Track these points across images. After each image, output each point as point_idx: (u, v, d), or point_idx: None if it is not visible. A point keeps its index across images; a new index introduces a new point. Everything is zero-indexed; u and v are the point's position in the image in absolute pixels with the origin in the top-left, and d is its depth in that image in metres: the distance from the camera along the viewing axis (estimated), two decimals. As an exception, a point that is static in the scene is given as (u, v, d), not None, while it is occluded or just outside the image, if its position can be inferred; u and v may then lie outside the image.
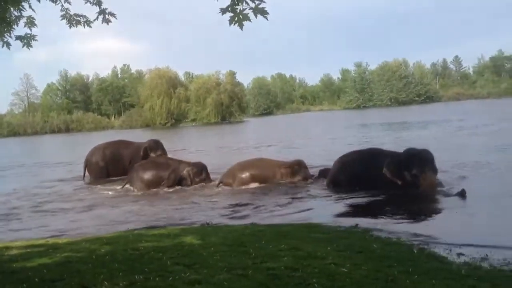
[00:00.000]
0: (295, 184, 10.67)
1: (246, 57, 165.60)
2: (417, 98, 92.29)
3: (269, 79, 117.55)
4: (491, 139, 17.67)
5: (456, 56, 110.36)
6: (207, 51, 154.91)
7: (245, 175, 11.02)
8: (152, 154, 14.39)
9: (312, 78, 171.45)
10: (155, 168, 11.72)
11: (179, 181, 11.48)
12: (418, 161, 8.89)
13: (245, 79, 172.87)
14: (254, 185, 10.87)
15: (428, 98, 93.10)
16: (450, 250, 5.26)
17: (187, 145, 25.70)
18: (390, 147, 11.54)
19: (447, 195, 8.54)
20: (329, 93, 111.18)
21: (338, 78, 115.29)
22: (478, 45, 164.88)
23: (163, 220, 8.24)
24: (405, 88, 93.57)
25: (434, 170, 8.93)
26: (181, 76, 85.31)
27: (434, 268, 4.45)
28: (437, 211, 8.08)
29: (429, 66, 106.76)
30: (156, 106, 72.51)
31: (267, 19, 3.93)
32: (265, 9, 3.91)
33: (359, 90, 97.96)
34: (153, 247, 5.36)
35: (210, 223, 7.38)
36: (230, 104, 71.85)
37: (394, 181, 8.93)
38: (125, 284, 3.98)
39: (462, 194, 8.25)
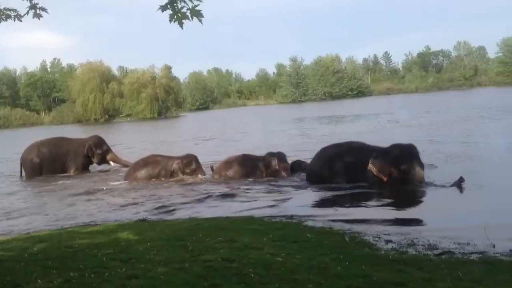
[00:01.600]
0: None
1: (182, 51, 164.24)
2: (350, 93, 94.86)
3: (205, 73, 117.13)
4: (420, 130, 18.72)
5: (386, 52, 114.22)
6: (142, 46, 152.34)
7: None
8: (98, 151, 14.08)
9: (248, 73, 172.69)
10: (146, 166, 11.70)
11: (171, 176, 11.45)
12: (407, 156, 8.58)
13: (181, 73, 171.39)
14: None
15: (360, 92, 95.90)
16: (379, 237, 5.51)
17: (120, 141, 25.15)
18: (327, 139, 11.82)
19: (442, 187, 8.35)
20: (265, 88, 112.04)
21: (273, 73, 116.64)
22: (406, 42, 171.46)
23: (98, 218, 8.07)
24: (338, 82, 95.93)
25: (422, 165, 8.68)
26: (115, 70, 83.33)
27: (364, 255, 4.66)
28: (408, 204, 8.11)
29: (361, 61, 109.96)
30: (88, 102, 70.48)
31: (201, 22, 3.96)
32: (201, 11, 3.93)
33: (295, 85, 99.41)
34: (87, 244, 5.28)
35: (146, 219, 7.32)
36: (166, 99, 71.01)
37: (379, 177, 8.64)
38: (60, 281, 3.92)
39: (459, 184, 8.11)
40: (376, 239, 5.45)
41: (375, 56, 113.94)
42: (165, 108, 71.51)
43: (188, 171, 11.29)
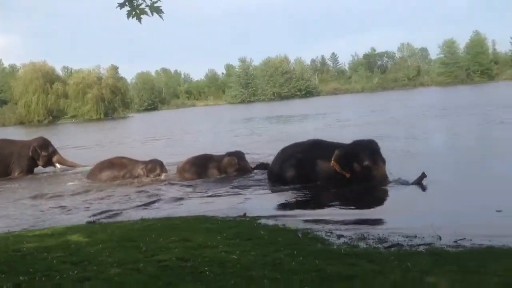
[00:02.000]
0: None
1: (129, 51, 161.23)
2: (298, 93, 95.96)
3: (153, 74, 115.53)
4: (366, 129, 19.25)
5: (333, 53, 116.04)
6: (87, 46, 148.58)
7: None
8: (44, 153, 13.65)
9: (197, 73, 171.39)
10: (112, 168, 11.54)
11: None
12: (370, 152, 8.64)
13: (128, 74, 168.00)
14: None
15: (308, 92, 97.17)
16: (332, 233, 5.65)
17: (66, 142, 24.46)
18: (277, 139, 11.91)
19: (405, 183, 8.41)
20: (214, 88, 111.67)
21: (222, 73, 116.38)
22: (352, 43, 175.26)
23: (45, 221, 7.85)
24: (287, 83, 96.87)
25: (384, 161, 8.73)
26: (59, 70, 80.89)
27: (317, 250, 4.76)
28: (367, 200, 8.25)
29: (309, 62, 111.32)
30: (31, 103, 68.03)
31: (162, 18, 3.96)
32: (161, 7, 3.93)
33: (244, 85, 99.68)
34: (36, 247, 5.11)
35: (96, 221, 7.17)
36: (112, 100, 69.60)
37: (342, 174, 8.61)
38: (9, 286, 3.78)
39: (421, 180, 8.19)
40: (329, 234, 5.58)
41: (323, 57, 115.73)
42: (111, 109, 70.07)
43: (152, 176, 11.19)
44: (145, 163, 11.46)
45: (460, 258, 4.32)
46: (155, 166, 11.32)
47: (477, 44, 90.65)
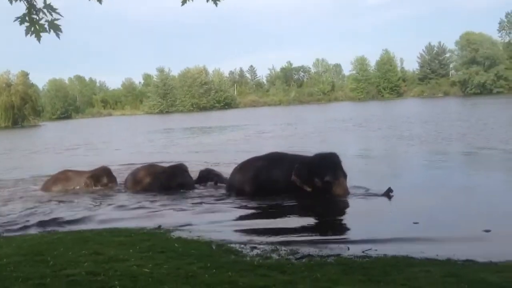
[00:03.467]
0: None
1: (40, 58, 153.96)
2: (217, 104, 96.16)
3: (66, 81, 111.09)
4: (283, 140, 19.94)
5: (251, 66, 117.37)
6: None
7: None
8: None
9: (113, 82, 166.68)
10: (57, 183, 10.99)
11: None
12: (330, 166, 8.45)
13: (40, 81, 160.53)
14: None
15: (227, 104, 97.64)
16: (245, 245, 5.71)
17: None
18: (196, 150, 11.85)
19: (374, 195, 8.36)
20: (131, 98, 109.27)
21: (140, 82, 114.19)
22: (270, 57, 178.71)
23: None
24: (206, 94, 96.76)
25: (345, 175, 8.55)
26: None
27: (230, 262, 4.80)
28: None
29: (227, 74, 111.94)
30: None
31: (58, 37, 3.85)
32: (60, 26, 3.83)
33: (162, 95, 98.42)
34: None
35: (0, 234, 6.78)
36: (22, 107, 66.41)
37: (303, 188, 8.44)
38: None
39: (388, 193, 8.16)
40: (242, 246, 5.63)
41: (241, 70, 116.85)
42: (21, 116, 66.85)
43: (99, 185, 10.82)
44: (90, 172, 11.06)
45: (366, 268, 4.52)
46: (101, 175, 10.96)
47: (386, 62, 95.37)
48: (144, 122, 55.72)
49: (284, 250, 5.41)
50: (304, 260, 4.93)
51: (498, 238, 5.83)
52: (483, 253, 5.06)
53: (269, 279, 4.12)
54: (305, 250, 5.42)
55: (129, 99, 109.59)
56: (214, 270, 4.37)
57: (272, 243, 5.78)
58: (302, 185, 8.46)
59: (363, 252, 5.26)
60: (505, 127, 20.26)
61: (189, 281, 4.06)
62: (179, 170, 10.42)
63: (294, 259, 4.99)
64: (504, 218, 6.85)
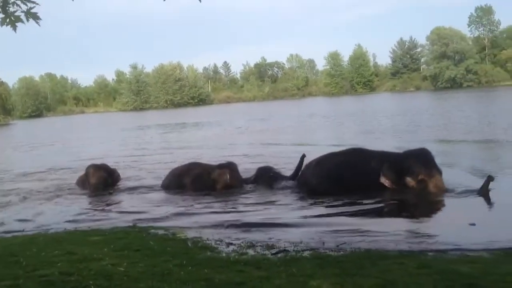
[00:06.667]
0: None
1: (10, 55, 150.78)
2: (191, 101, 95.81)
3: (37, 79, 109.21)
4: (258, 135, 20.12)
5: (225, 62, 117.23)
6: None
7: None
8: None
9: (85, 79, 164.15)
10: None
11: None
12: (424, 164, 7.80)
13: (10, 78, 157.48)
14: None
15: (202, 100, 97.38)
16: (221, 241, 5.70)
17: None
18: (175, 146, 11.74)
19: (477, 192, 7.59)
20: (104, 95, 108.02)
21: (113, 79, 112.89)
22: (244, 52, 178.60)
23: None
24: (180, 91, 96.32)
25: (440, 172, 7.88)
26: None
27: (207, 258, 4.79)
28: None
29: (202, 70, 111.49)
30: None
31: (39, 24, 3.78)
32: (38, 14, 3.75)
33: (136, 92, 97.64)
34: None
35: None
36: (-9, 106, 65.10)
37: (393, 188, 7.83)
38: None
39: (487, 183, 7.44)
40: (218, 242, 5.62)
41: (215, 66, 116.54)
42: (-10, 115, 65.52)
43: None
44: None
45: (341, 262, 4.56)
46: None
47: (359, 57, 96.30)
48: (118, 119, 55.10)
49: (260, 245, 5.42)
50: (279, 255, 4.95)
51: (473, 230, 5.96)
52: (457, 244, 5.18)
53: (245, 275, 4.13)
54: (281, 245, 5.43)
55: (102, 96, 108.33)
56: (190, 267, 4.36)
57: (247, 239, 5.76)
58: (392, 186, 7.84)
59: (337, 246, 5.31)
60: (473, 119, 20.76)
61: (165, 279, 4.04)
62: (227, 170, 9.34)
63: (270, 255, 5.00)
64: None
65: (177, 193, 9.24)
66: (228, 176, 9.09)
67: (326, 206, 7.64)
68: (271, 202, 8.09)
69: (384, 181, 7.86)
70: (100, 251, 5.02)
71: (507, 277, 3.87)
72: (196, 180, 9.37)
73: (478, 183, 7.76)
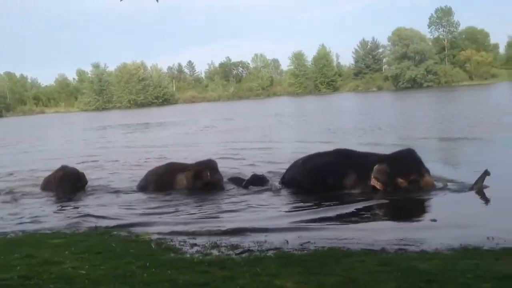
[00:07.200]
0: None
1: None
2: (155, 100, 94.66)
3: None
4: (223, 135, 20.18)
5: (190, 61, 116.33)
6: None
7: None
8: None
9: (46, 78, 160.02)
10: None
11: None
12: (413, 163, 7.87)
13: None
14: None
15: (166, 100, 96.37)
16: (185, 242, 5.66)
17: None
18: (142, 145, 11.60)
19: (470, 188, 7.76)
20: (65, 95, 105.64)
21: (74, 79, 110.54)
22: (208, 52, 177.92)
23: None
24: (144, 90, 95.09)
25: (428, 171, 7.95)
26: None
27: (170, 260, 4.77)
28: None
29: (166, 69, 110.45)
30: None
31: None
32: None
33: (98, 92, 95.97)
34: None
35: None
36: None
37: (384, 190, 7.80)
38: None
39: (483, 178, 7.56)
40: (182, 243, 5.59)
41: (179, 65, 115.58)
42: None
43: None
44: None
45: (305, 260, 4.62)
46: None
47: (323, 57, 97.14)
48: (79, 119, 54.11)
49: (225, 246, 5.41)
50: (244, 255, 4.97)
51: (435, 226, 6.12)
52: (418, 241, 5.33)
53: (209, 276, 4.14)
54: (245, 245, 5.44)
55: (63, 96, 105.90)
56: (154, 269, 4.33)
57: (212, 239, 5.72)
58: (383, 188, 7.82)
59: (301, 245, 5.35)
60: (432, 119, 21.31)
61: (127, 281, 4.00)
62: (207, 167, 9.22)
63: (234, 255, 5.01)
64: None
65: (143, 195, 9.09)
66: (208, 174, 9.00)
67: (298, 207, 7.69)
68: (246, 203, 8.04)
69: (374, 183, 7.85)
70: (61, 254, 4.93)
71: (465, 273, 3.97)
72: (175, 180, 9.23)
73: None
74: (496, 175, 7.71)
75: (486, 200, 7.33)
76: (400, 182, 7.77)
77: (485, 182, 7.61)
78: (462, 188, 7.89)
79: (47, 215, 8.02)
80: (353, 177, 8.11)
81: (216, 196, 8.64)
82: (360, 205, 7.47)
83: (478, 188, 7.60)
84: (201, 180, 9.00)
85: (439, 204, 7.38)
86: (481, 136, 14.41)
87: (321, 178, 8.29)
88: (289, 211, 7.45)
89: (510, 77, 78.89)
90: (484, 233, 5.42)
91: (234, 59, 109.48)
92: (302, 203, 7.85)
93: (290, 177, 8.87)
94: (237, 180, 9.51)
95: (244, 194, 8.62)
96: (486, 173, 7.53)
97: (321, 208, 7.44)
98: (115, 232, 6.29)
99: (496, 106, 25.96)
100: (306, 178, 8.48)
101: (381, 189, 7.81)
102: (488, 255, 4.65)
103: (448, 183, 8.17)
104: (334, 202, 7.64)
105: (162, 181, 9.29)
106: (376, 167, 7.85)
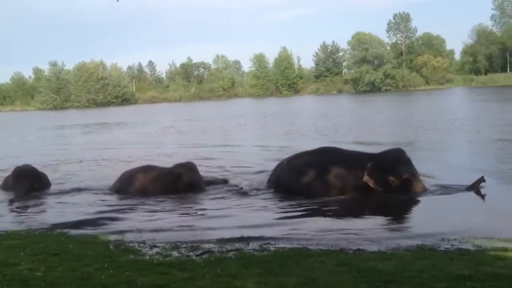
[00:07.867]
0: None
1: None
2: (115, 100, 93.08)
3: None
4: (183, 136, 20.28)
5: (150, 61, 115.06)
6: None
7: None
8: None
9: (1, 76, 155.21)
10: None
11: None
12: (406, 163, 7.86)
13: None
14: None
15: (126, 100, 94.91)
16: (145, 243, 5.59)
17: None
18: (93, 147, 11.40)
19: (465, 189, 7.80)
20: (21, 93, 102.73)
21: (30, 77, 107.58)
22: (169, 52, 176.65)
23: None
24: (103, 89, 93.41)
25: (417, 172, 7.97)
26: None
27: (129, 261, 4.70)
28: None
29: (126, 69, 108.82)
30: None
31: None
32: None
33: (55, 91, 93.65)
34: None
35: None
36: None
37: (376, 188, 7.71)
38: None
39: (479, 182, 7.67)
40: (141, 245, 5.52)
41: (140, 65, 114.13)
42: None
43: None
44: None
45: (265, 261, 4.64)
46: None
47: (284, 60, 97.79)
48: (36, 118, 52.71)
49: (185, 247, 5.38)
50: (204, 256, 4.95)
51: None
52: (376, 242, 5.48)
53: (168, 277, 4.11)
54: (206, 246, 5.42)
55: (19, 94, 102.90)
56: (112, 271, 4.27)
57: (172, 240, 5.69)
58: (375, 186, 7.72)
59: (261, 246, 5.37)
60: (389, 121, 21.84)
61: (85, 283, 3.94)
62: (186, 169, 9.11)
63: (194, 256, 4.98)
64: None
65: (104, 195, 8.93)
66: (189, 175, 8.92)
67: (262, 207, 7.74)
68: (221, 203, 8.07)
69: (368, 180, 7.73)
70: (16, 256, 4.81)
71: (421, 273, 4.07)
72: (155, 181, 9.02)
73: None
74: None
75: (450, 203, 7.51)
76: (392, 181, 7.75)
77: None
78: (446, 191, 7.91)
79: (3, 215, 7.83)
80: (340, 176, 8.01)
81: (191, 198, 8.61)
82: (322, 205, 7.59)
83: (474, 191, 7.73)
84: (182, 182, 8.89)
85: (404, 205, 7.60)
86: (434, 138, 14.95)
87: (307, 177, 8.15)
88: (253, 211, 7.48)
89: (465, 82, 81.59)
90: (439, 235, 5.60)
91: (196, 60, 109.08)
92: (266, 203, 7.93)
93: (275, 178, 8.77)
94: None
95: (209, 195, 8.65)
96: (482, 179, 7.65)
97: (283, 208, 7.52)
98: (72, 233, 6.18)
99: (449, 111, 26.84)
100: (290, 178, 8.34)
101: (373, 187, 7.72)
102: (443, 255, 4.78)
103: (432, 186, 8.16)
104: (295, 202, 7.73)
105: (138, 183, 9.04)
106: (369, 165, 7.77)
